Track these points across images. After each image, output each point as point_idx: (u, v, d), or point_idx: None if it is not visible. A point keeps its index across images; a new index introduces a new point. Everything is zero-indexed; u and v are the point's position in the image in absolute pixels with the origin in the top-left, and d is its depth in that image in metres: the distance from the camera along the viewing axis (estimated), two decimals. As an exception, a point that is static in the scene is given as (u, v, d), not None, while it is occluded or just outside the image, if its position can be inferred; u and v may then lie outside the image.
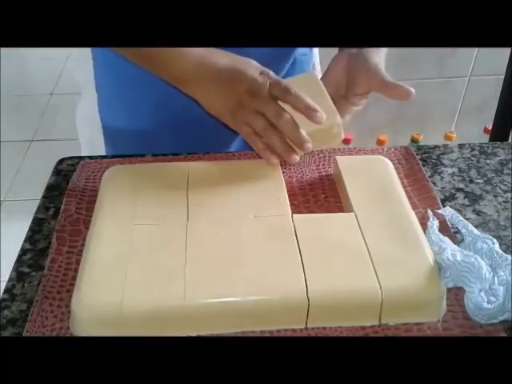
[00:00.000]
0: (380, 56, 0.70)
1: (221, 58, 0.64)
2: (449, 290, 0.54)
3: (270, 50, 0.76)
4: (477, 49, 1.64)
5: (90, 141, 0.85)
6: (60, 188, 0.68)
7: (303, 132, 0.63)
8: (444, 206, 0.64)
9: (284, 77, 0.81)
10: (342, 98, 0.72)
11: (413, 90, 0.66)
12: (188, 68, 0.65)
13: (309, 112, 0.62)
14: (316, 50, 0.91)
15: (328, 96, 0.67)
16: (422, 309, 0.52)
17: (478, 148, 0.75)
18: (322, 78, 0.75)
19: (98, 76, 0.79)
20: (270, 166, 0.66)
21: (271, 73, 0.64)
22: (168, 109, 0.78)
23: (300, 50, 0.84)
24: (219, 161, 0.70)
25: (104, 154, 0.83)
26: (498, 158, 0.73)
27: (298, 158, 0.64)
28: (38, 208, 0.66)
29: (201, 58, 0.64)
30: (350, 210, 0.61)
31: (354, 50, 0.71)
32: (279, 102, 0.63)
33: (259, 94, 0.62)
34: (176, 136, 0.79)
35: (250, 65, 0.64)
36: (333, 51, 0.75)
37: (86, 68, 0.80)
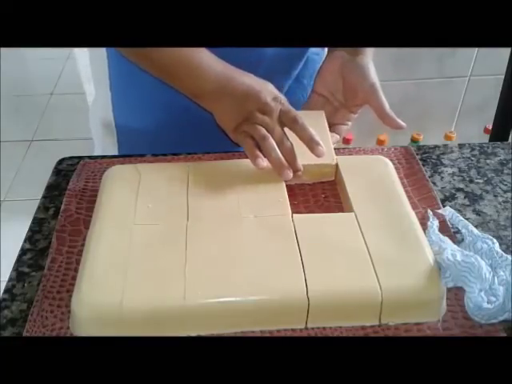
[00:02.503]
0: (372, 64, 0.73)
1: (240, 77, 0.66)
2: (449, 289, 0.54)
3: (283, 49, 0.77)
4: (477, 49, 1.64)
5: (103, 139, 0.86)
6: (60, 188, 0.68)
7: (299, 161, 0.64)
8: (444, 206, 0.64)
9: (297, 76, 0.82)
10: (341, 106, 0.76)
11: (405, 124, 0.70)
12: (207, 87, 0.66)
13: (311, 144, 0.64)
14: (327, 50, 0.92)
15: (330, 138, 0.70)
16: (421, 309, 0.52)
17: (477, 148, 0.75)
18: (315, 79, 0.76)
19: (113, 75, 0.79)
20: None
21: (284, 100, 0.66)
22: (183, 108, 0.78)
23: (312, 49, 0.85)
24: (219, 161, 0.70)
25: (117, 152, 0.83)
26: (498, 158, 0.73)
27: (290, 174, 0.63)
28: (38, 208, 0.66)
29: (221, 78, 0.66)
30: (349, 210, 0.61)
31: (346, 55, 0.74)
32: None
33: (268, 117, 0.64)
34: (190, 135, 0.79)
35: (265, 88, 0.66)
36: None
37: (100, 67, 0.80)
